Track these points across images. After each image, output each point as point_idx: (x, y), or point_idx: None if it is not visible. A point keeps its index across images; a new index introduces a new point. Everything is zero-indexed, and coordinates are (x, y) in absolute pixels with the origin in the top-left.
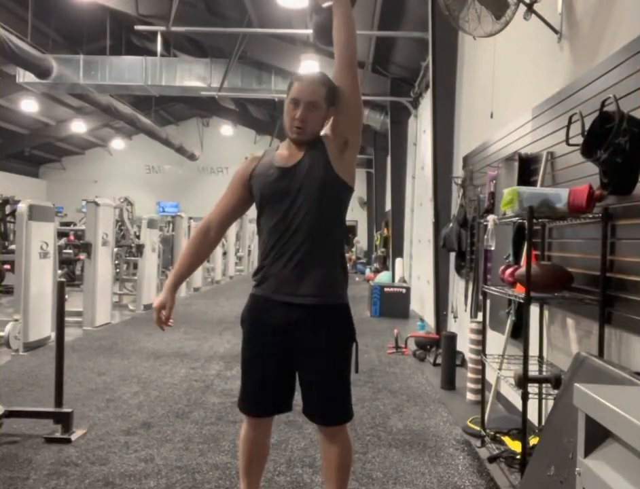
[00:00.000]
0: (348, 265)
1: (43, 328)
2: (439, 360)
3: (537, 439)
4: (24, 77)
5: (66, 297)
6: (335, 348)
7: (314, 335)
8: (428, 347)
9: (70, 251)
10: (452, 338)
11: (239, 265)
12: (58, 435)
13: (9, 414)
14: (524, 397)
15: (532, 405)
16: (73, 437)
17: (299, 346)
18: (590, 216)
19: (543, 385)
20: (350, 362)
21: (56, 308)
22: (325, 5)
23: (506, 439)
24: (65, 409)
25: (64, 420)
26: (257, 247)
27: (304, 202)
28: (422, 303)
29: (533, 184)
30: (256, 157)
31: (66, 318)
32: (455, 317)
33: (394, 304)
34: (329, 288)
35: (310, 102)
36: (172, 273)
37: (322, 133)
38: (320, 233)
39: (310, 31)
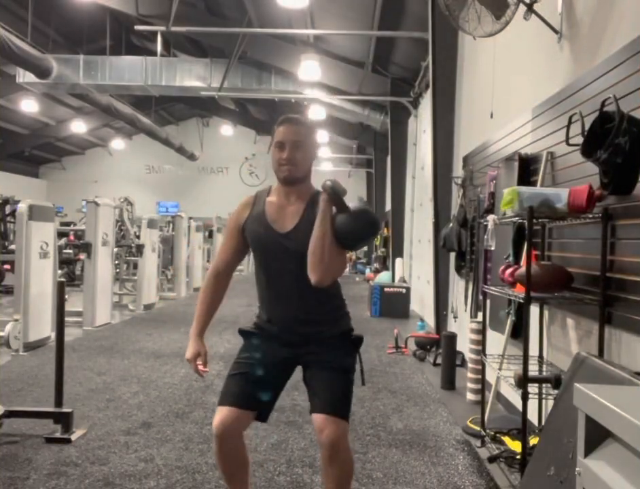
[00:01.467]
0: (348, 265)
1: (43, 328)
2: (439, 360)
3: (537, 439)
4: (24, 77)
5: (66, 297)
6: (339, 355)
7: (317, 352)
8: (428, 347)
9: (70, 251)
10: (452, 338)
11: (239, 265)
12: (58, 435)
13: (9, 414)
14: (524, 397)
15: (533, 405)
16: (73, 437)
17: (302, 360)
18: (590, 216)
19: (543, 385)
20: (354, 368)
21: (56, 308)
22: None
23: (506, 439)
24: (65, 409)
25: (64, 420)
26: (256, 282)
27: (294, 266)
28: (422, 303)
29: (533, 184)
30: (247, 203)
31: (66, 318)
32: (455, 317)
33: (394, 304)
34: (329, 326)
35: (295, 141)
36: (194, 323)
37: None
38: (310, 286)
39: (309, 31)
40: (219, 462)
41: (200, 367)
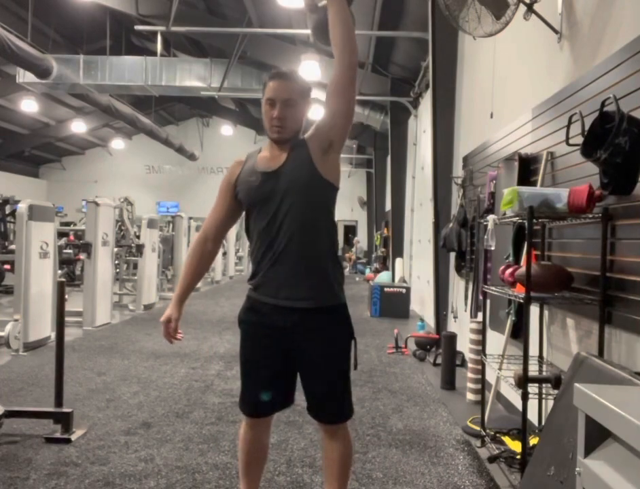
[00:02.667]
0: (348, 265)
1: (43, 328)
2: (439, 360)
3: (537, 439)
4: (24, 77)
5: (66, 297)
6: (334, 348)
7: (313, 336)
8: (428, 347)
9: (70, 251)
10: (452, 338)
11: (239, 265)
12: (58, 434)
13: (9, 414)
14: (524, 397)
15: (533, 405)
16: (73, 437)
17: (298, 347)
18: (590, 216)
19: (543, 385)
20: (350, 360)
21: (56, 308)
22: (321, 3)
23: (506, 439)
24: (65, 409)
25: (64, 420)
26: (249, 250)
27: (291, 205)
28: (422, 303)
29: (533, 184)
30: (239, 162)
31: (66, 318)
32: (455, 317)
33: (394, 304)
34: (327, 289)
35: (286, 99)
36: (177, 287)
37: (306, 135)
38: (310, 234)
39: (309, 31)
40: (244, 445)
41: (169, 332)
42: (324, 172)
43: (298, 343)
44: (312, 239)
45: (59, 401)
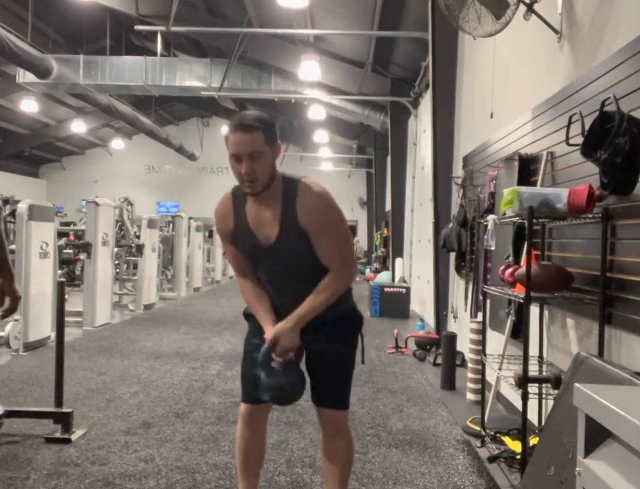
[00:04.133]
0: None
1: (43, 328)
2: (439, 360)
3: (537, 439)
4: (24, 77)
5: (66, 297)
6: (340, 339)
7: (319, 332)
8: (428, 347)
9: (70, 251)
10: (452, 338)
11: None
12: (58, 434)
13: (9, 414)
14: (524, 397)
15: (533, 405)
16: (73, 437)
17: (305, 336)
18: (590, 216)
19: (543, 385)
20: (355, 353)
21: (57, 308)
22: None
23: (506, 439)
24: (65, 409)
25: (64, 420)
26: None
27: (286, 269)
28: (422, 303)
29: (533, 184)
30: (227, 211)
31: (66, 318)
32: (455, 317)
33: (394, 304)
34: (332, 307)
35: (251, 152)
36: (262, 318)
37: (297, 198)
38: (305, 278)
39: (309, 31)
40: (241, 443)
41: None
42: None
43: (305, 333)
44: (312, 278)
45: (59, 401)
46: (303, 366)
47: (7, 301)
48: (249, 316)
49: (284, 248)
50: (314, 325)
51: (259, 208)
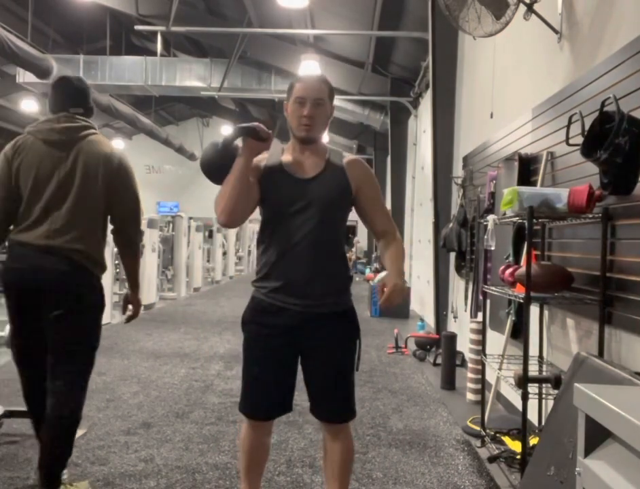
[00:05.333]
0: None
1: None
2: (439, 360)
3: (537, 439)
4: (24, 77)
5: None
6: (340, 349)
7: (320, 334)
8: (428, 347)
9: None
10: (452, 338)
11: (239, 265)
12: None
13: (9, 414)
14: (524, 397)
15: (533, 405)
16: None
17: (304, 344)
18: (590, 216)
19: (543, 385)
20: (355, 361)
21: None
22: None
23: (506, 439)
24: None
25: None
26: (259, 247)
27: (315, 214)
28: (422, 303)
29: (533, 184)
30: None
31: None
32: (455, 317)
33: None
34: (338, 294)
35: (317, 99)
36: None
37: (345, 160)
38: (326, 241)
39: (309, 31)
40: (246, 446)
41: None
42: (354, 193)
43: (305, 340)
44: (330, 246)
45: None
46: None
47: (131, 308)
48: (246, 323)
49: (320, 184)
50: (316, 321)
51: (300, 156)
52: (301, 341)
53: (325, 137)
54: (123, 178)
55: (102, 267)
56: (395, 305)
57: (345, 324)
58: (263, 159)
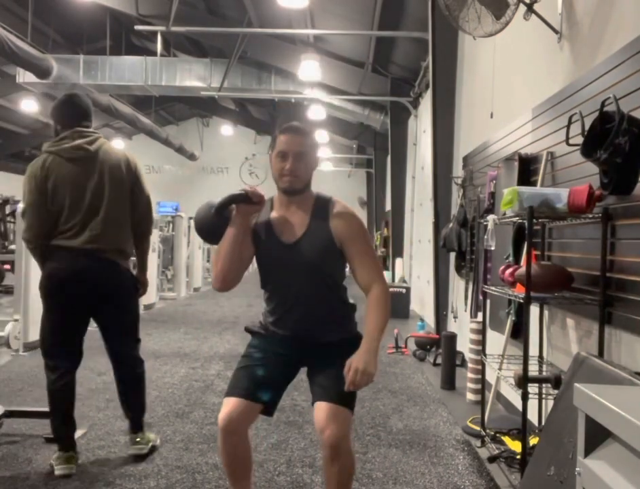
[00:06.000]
0: (348, 265)
1: None
2: (439, 360)
3: (537, 439)
4: (24, 77)
5: None
6: (345, 353)
7: (323, 348)
8: (428, 347)
9: None
10: (452, 338)
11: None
12: None
13: (9, 414)
14: (524, 397)
15: (533, 405)
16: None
17: (306, 357)
18: (590, 216)
19: (543, 385)
20: None
21: None
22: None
23: (506, 439)
24: None
25: None
26: (264, 291)
27: (303, 274)
28: (422, 303)
29: (533, 184)
30: None
31: None
32: (455, 317)
33: (394, 304)
34: (338, 329)
35: (298, 152)
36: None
37: (334, 210)
38: (319, 294)
39: (309, 31)
40: (222, 456)
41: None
42: (339, 246)
43: (307, 354)
44: (325, 297)
45: None
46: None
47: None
48: (248, 330)
49: (303, 248)
50: (313, 348)
51: (287, 213)
52: (304, 354)
53: (325, 137)
54: (139, 179)
55: (131, 256)
56: (362, 387)
57: (349, 341)
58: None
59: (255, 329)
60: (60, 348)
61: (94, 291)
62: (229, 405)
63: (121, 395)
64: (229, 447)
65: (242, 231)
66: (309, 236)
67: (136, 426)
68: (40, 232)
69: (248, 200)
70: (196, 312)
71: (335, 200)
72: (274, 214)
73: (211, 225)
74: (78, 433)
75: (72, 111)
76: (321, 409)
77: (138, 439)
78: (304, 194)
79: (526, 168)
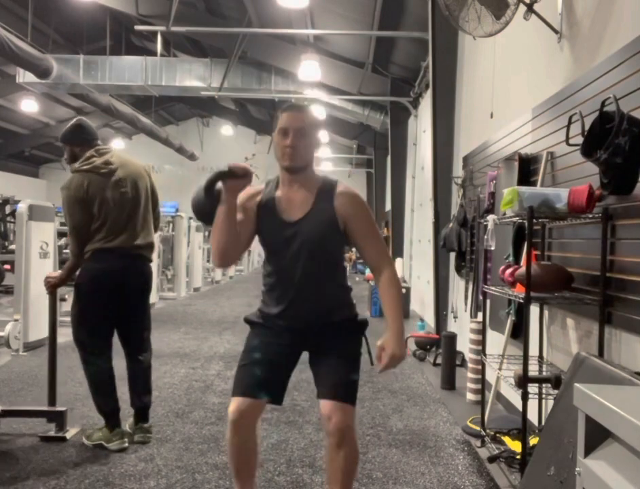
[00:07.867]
0: (348, 265)
1: (43, 328)
2: (439, 360)
3: (537, 439)
4: (24, 77)
5: (66, 296)
6: (342, 340)
7: (326, 332)
8: (428, 347)
9: None
10: (452, 338)
11: (239, 265)
12: (52, 433)
13: (4, 414)
14: (524, 397)
15: (533, 405)
16: (68, 435)
17: (308, 344)
18: (590, 216)
19: (543, 385)
20: (360, 354)
21: (49, 307)
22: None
23: (506, 439)
24: (59, 408)
25: (58, 419)
26: (264, 269)
27: (306, 252)
28: (422, 303)
29: (533, 184)
30: (256, 190)
31: (66, 318)
32: (455, 317)
33: None
34: (339, 310)
35: (299, 128)
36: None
37: (338, 190)
38: (320, 273)
39: (309, 31)
40: (231, 450)
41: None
42: (342, 227)
43: (308, 339)
44: (325, 278)
45: (52, 400)
46: (305, 364)
47: None
48: (250, 322)
49: (306, 226)
50: (314, 331)
51: (290, 191)
52: (305, 340)
53: (325, 137)
54: (154, 184)
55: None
56: (400, 360)
57: (348, 322)
58: (259, 192)
59: (255, 319)
60: (105, 337)
61: (131, 284)
62: (236, 402)
63: (132, 383)
64: (240, 440)
65: (232, 207)
66: (312, 215)
67: (144, 416)
68: (85, 244)
69: (233, 174)
70: (196, 312)
71: (340, 182)
72: (278, 193)
73: (203, 205)
74: (72, 432)
75: (88, 133)
76: (327, 403)
77: (145, 426)
78: (307, 173)
79: (526, 168)
